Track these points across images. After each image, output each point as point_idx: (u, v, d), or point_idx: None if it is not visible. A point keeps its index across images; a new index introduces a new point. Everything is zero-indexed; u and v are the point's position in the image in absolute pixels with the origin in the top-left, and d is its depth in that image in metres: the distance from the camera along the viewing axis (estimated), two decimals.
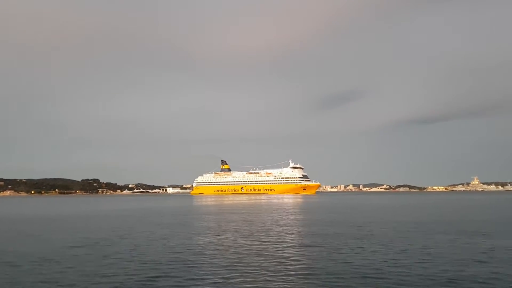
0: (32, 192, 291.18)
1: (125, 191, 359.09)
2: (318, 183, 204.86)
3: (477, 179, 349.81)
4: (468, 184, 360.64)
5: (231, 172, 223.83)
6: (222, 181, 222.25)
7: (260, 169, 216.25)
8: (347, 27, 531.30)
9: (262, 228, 25.90)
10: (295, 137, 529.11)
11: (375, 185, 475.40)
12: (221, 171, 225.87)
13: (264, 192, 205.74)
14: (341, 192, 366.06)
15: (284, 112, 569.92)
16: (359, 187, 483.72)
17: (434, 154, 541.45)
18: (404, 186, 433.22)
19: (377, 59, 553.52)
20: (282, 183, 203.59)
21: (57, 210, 57.34)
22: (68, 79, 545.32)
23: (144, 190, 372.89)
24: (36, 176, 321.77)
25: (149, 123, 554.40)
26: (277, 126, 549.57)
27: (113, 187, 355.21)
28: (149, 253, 16.20)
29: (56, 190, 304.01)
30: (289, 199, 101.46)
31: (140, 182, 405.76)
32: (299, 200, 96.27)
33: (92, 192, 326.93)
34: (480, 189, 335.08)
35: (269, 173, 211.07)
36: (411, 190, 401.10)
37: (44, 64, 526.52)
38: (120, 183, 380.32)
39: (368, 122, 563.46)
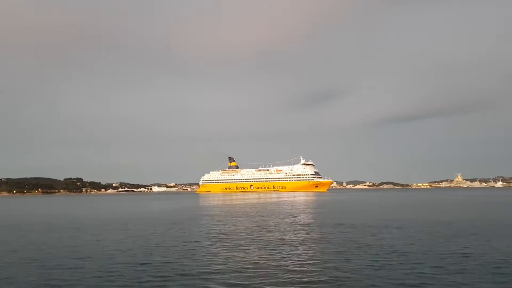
0: (14, 192, 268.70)
1: (110, 190, 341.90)
2: (330, 180, 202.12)
3: (460, 175, 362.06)
4: (451, 181, 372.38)
5: (239, 169, 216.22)
6: (230, 178, 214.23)
7: (269, 166, 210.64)
8: (330, 26, 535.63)
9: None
10: (276, 135, 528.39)
11: (358, 182, 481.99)
12: (228, 168, 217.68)
13: (274, 189, 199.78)
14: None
15: (262, 110, 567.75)
16: (342, 184, 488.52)
17: (415, 151, 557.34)
18: (387, 183, 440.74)
19: (358, 57, 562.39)
20: (294, 180, 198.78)
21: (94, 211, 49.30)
22: (50, 78, 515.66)
23: (129, 189, 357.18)
24: (15, 175, 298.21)
25: (132, 122, 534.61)
26: (252, 124, 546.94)
27: (97, 186, 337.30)
28: None
29: (39, 189, 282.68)
30: (304, 197, 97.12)
31: (123, 181, 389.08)
32: (320, 197, 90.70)
33: (76, 192, 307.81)
34: (465, 186, 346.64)
35: (280, 170, 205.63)
36: (395, 187, 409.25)
37: (28, 63, 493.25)
38: (103, 182, 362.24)
39: (349, 120, 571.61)
